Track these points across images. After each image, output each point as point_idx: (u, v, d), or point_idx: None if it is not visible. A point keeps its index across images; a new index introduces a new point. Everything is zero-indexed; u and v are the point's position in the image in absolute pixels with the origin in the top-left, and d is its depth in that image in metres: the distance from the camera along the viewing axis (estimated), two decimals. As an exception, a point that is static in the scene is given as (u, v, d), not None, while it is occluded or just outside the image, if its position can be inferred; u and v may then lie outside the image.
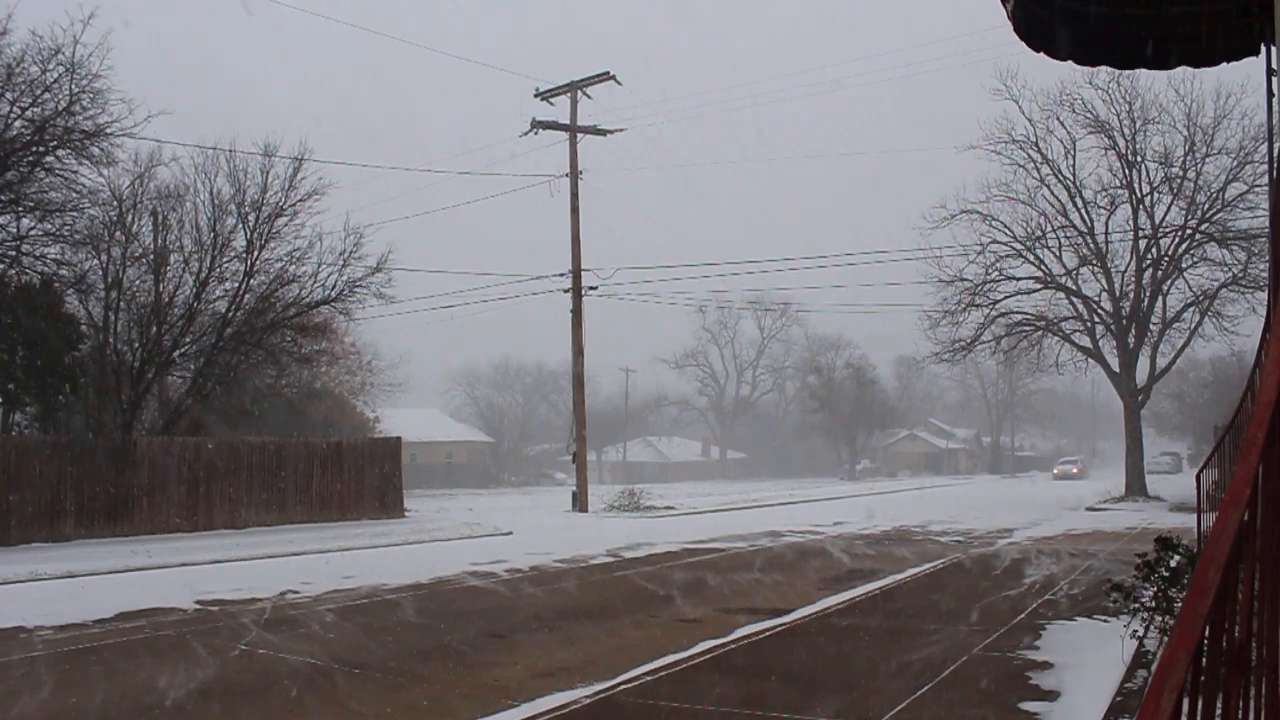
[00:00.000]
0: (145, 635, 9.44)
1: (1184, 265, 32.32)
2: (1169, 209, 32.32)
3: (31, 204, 20.64)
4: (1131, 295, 32.79)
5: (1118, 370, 33.30)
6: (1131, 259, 32.86)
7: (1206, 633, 2.12)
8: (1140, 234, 32.37)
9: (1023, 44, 6.24)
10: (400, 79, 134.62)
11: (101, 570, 14.43)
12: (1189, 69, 6.90)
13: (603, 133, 30.15)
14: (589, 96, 29.87)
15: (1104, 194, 32.85)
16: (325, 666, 7.99)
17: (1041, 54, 6.33)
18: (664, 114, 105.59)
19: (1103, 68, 9.32)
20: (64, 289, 21.39)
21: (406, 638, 9.38)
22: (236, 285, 23.31)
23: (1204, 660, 2.17)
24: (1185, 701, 2.03)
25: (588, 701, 6.65)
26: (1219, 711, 2.27)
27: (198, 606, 11.15)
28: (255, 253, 23.28)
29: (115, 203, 21.87)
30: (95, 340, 22.15)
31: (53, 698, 7.11)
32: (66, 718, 6.55)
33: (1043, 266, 33.55)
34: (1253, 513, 2.50)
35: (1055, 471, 67.54)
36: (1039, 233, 33.30)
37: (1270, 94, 5.75)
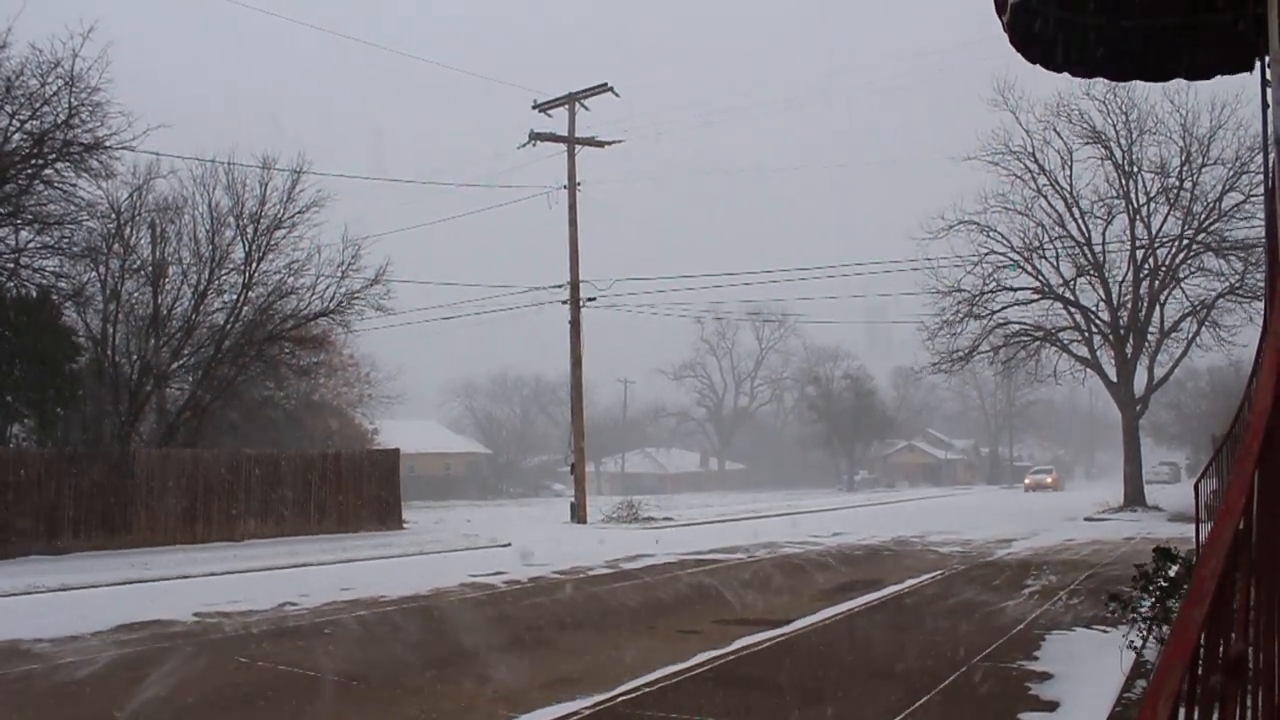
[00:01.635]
0: (144, 647, 9.41)
1: (1181, 275, 32.38)
2: (1166, 219, 32.42)
3: (30, 216, 20.67)
4: (1129, 305, 32.82)
5: (1115, 380, 33.31)
6: (1129, 269, 32.93)
7: (1202, 641, 2.13)
8: (1137, 244, 32.44)
9: (1019, 55, 6.26)
10: (397, 91, 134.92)
11: (100, 583, 14.39)
12: (1185, 80, 6.93)
13: (600, 144, 30.25)
14: (586, 108, 30.00)
15: (1101, 204, 32.94)
16: (323, 679, 7.97)
17: (1038, 65, 6.35)
18: (663, 124, 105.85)
19: (1099, 79, 9.35)
20: (62, 301, 21.39)
21: (405, 649, 9.36)
22: (235, 297, 23.34)
23: (1200, 669, 2.17)
24: (1182, 710, 2.03)
25: (588, 713, 6.64)
26: (1216, 720, 2.27)
27: (196, 618, 11.12)
28: (253, 265, 23.34)
29: (114, 215, 21.93)
30: (93, 352, 22.13)
31: (50, 710, 7.09)
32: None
33: (1040, 277, 33.60)
34: (1249, 521, 2.51)
35: (1027, 482, 61.71)
36: (1036, 243, 33.36)
37: (1265, 105, 5.77)
